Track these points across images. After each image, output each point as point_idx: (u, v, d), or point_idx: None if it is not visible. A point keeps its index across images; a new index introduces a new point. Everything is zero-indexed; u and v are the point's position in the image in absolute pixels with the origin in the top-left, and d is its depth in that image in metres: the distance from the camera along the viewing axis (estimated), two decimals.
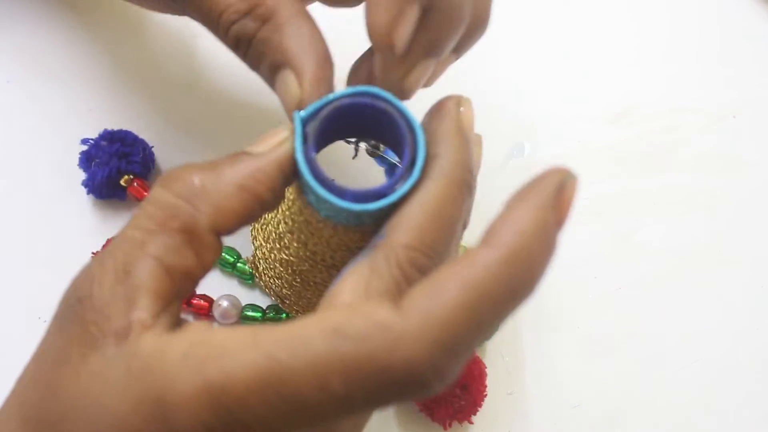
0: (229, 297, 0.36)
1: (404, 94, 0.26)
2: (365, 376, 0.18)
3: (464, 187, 0.24)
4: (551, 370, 0.36)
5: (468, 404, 0.33)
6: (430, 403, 0.33)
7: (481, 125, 0.42)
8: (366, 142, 0.28)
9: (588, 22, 0.46)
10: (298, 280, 0.32)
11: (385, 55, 0.25)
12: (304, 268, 0.30)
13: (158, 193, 0.22)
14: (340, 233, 0.26)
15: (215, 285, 0.36)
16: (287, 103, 0.25)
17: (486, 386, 0.34)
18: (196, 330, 0.21)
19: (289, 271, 0.32)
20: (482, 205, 0.40)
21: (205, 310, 0.36)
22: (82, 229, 0.37)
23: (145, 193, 0.37)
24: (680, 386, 0.36)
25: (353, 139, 0.28)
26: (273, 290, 0.35)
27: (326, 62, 0.25)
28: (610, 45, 0.45)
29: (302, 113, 0.24)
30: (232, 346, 0.19)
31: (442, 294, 0.19)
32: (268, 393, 0.18)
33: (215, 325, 0.36)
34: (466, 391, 0.33)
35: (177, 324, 0.22)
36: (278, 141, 0.24)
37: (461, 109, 0.25)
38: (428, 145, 0.24)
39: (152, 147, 0.38)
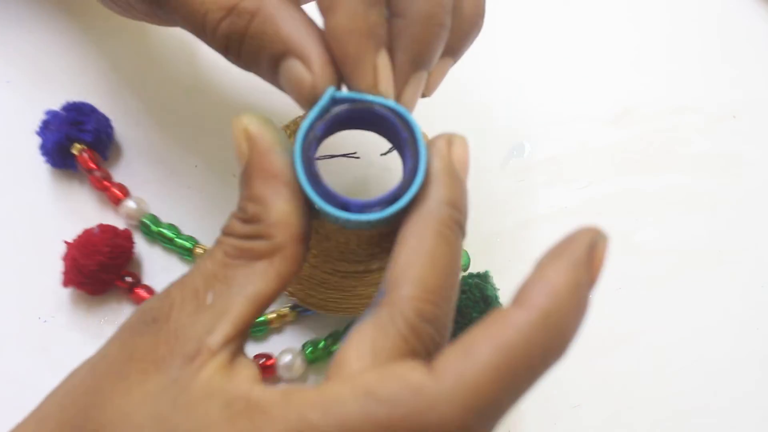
0: (138, 199, 0.37)
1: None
2: None
3: (456, 227, 0.23)
4: (551, 370, 0.36)
5: None
6: None
7: (481, 125, 0.42)
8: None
9: (588, 22, 0.46)
10: (329, 288, 0.32)
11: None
12: (328, 272, 0.31)
13: (231, 227, 0.23)
14: (353, 235, 0.26)
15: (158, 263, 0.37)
16: (299, 92, 0.24)
17: None
18: (243, 376, 0.21)
19: (314, 282, 0.32)
20: (483, 206, 0.40)
21: (117, 202, 0.37)
22: (38, 196, 0.38)
23: (94, 165, 0.37)
24: (680, 386, 0.36)
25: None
26: (307, 302, 0.34)
27: (327, 46, 0.24)
28: (610, 45, 0.45)
29: (312, 114, 0.24)
30: (266, 404, 0.20)
31: (474, 356, 0.19)
32: None
33: (281, 384, 0.35)
34: None
35: (240, 352, 0.22)
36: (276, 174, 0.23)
37: (453, 148, 0.25)
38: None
39: (111, 121, 0.38)
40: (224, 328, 0.21)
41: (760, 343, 0.38)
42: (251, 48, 0.25)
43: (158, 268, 0.37)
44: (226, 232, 0.23)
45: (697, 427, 0.36)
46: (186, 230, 0.37)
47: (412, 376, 0.19)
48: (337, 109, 0.24)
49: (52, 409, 0.22)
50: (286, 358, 0.34)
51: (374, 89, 0.24)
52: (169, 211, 0.38)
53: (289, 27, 0.24)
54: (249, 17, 0.24)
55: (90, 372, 0.22)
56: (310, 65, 0.24)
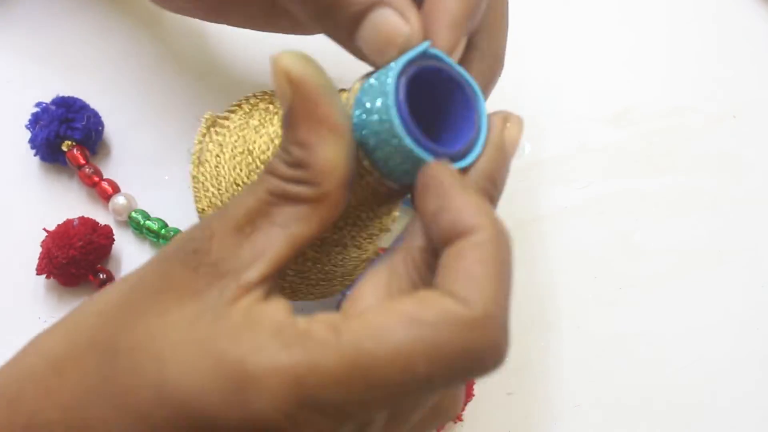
0: (127, 195, 0.37)
1: None
2: (447, 357, 0.20)
3: (488, 200, 0.24)
4: (551, 370, 0.36)
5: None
6: None
7: None
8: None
9: (588, 22, 0.46)
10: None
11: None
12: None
13: (276, 168, 0.23)
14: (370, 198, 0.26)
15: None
16: (391, 42, 0.24)
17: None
18: (282, 309, 0.21)
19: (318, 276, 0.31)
20: None
21: (106, 198, 0.37)
22: (28, 188, 0.38)
23: (83, 161, 0.37)
24: (680, 386, 0.36)
25: None
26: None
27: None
28: (610, 45, 0.45)
29: (406, 57, 0.23)
30: (317, 334, 0.20)
31: (479, 281, 0.21)
32: (355, 381, 0.19)
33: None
34: None
35: (273, 290, 0.22)
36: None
37: (507, 125, 0.26)
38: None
39: (101, 117, 0.39)
40: (263, 266, 0.22)
41: (760, 343, 0.38)
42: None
43: (137, 264, 0.37)
44: (271, 172, 0.23)
45: (697, 427, 0.36)
46: (174, 224, 0.37)
47: (445, 302, 0.20)
48: (422, 63, 0.24)
49: (83, 326, 0.23)
50: (121, 201, 0.36)
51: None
52: (156, 204, 0.38)
53: None
54: None
55: (125, 294, 0.23)
56: (408, 16, 0.24)
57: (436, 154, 0.24)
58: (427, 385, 0.20)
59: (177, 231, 0.37)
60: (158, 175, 0.39)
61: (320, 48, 0.26)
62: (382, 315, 0.20)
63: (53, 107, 0.37)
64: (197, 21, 0.38)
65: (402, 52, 0.24)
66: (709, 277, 0.39)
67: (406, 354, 0.19)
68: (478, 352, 0.20)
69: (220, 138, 0.31)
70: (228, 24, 0.35)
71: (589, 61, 0.44)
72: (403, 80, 0.23)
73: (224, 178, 0.31)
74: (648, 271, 0.39)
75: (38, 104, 0.38)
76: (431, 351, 0.20)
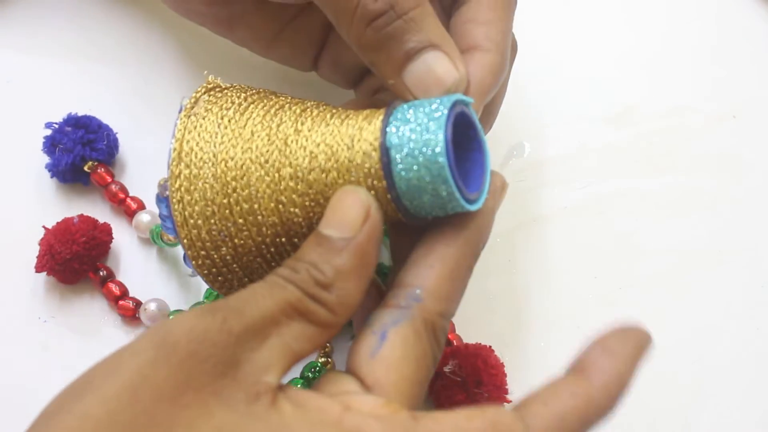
0: (157, 300, 0.35)
1: None
2: None
3: (474, 261, 0.26)
4: (551, 370, 0.36)
5: (494, 392, 0.34)
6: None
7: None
8: None
9: (588, 22, 0.46)
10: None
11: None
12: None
13: (304, 280, 0.23)
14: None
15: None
16: (439, 86, 0.26)
17: (504, 371, 0.34)
18: (323, 408, 0.21)
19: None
20: None
21: (132, 313, 0.35)
22: (45, 211, 0.37)
23: (109, 179, 0.37)
24: (680, 386, 0.36)
25: None
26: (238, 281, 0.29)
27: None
28: (610, 45, 0.45)
29: (448, 102, 0.24)
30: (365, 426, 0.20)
31: (553, 409, 0.23)
32: None
33: (143, 328, 0.35)
34: (483, 385, 0.33)
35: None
36: (360, 220, 0.24)
37: (502, 194, 0.28)
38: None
39: (117, 133, 0.38)
40: (276, 374, 0.22)
41: (760, 343, 0.38)
42: (393, 33, 0.26)
43: (135, 264, 0.37)
44: (296, 282, 0.23)
45: (697, 427, 0.36)
46: None
47: (503, 417, 0.22)
48: (458, 110, 0.25)
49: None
50: (152, 306, 0.35)
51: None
52: None
53: (436, 22, 0.26)
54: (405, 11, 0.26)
55: (129, 394, 0.19)
56: (458, 64, 0.26)
57: (467, 200, 0.25)
58: None
59: None
60: None
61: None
62: (432, 422, 0.21)
63: (69, 129, 0.37)
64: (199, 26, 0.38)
65: (444, 94, 0.25)
66: (709, 277, 0.39)
67: None
68: None
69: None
70: (233, 40, 0.35)
71: (590, 61, 0.44)
72: (450, 127, 0.24)
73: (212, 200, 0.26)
74: (648, 271, 0.39)
75: (48, 125, 0.37)
76: None
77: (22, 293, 0.36)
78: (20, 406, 0.34)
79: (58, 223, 0.35)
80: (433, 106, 0.24)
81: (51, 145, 0.37)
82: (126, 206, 0.37)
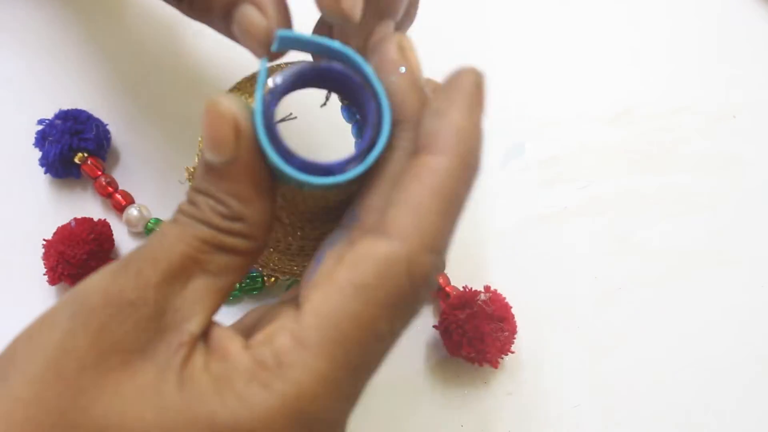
0: (139, 207, 0.36)
1: (369, 55, 0.25)
2: (400, 306, 0.20)
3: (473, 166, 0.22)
4: (551, 370, 0.36)
5: (510, 335, 0.35)
6: (479, 345, 0.34)
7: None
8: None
9: (588, 22, 0.46)
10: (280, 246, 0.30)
11: (340, 24, 0.25)
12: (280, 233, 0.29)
13: (210, 218, 0.22)
14: (310, 196, 0.25)
15: None
16: (252, 38, 0.24)
17: (513, 315, 0.35)
18: (234, 342, 0.21)
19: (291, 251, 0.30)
20: (482, 205, 0.40)
21: (120, 209, 0.37)
22: (40, 207, 0.38)
23: (99, 172, 0.37)
24: (680, 386, 0.36)
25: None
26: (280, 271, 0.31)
27: None
28: (609, 45, 0.45)
29: (263, 66, 0.22)
30: (286, 358, 0.20)
31: (424, 212, 0.20)
32: (342, 377, 0.20)
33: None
34: (506, 322, 0.35)
35: (211, 327, 0.22)
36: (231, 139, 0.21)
37: (408, 55, 0.24)
38: (395, 109, 0.23)
39: (107, 125, 0.38)
40: (202, 316, 0.21)
41: (760, 343, 0.38)
42: None
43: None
44: (204, 221, 0.22)
45: (697, 427, 0.36)
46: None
47: (376, 247, 0.20)
48: (307, 66, 0.23)
49: (18, 417, 0.19)
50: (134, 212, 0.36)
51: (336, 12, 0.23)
52: (167, 209, 0.38)
53: None
54: None
55: (53, 370, 0.20)
56: (266, 9, 0.24)
57: (313, 170, 0.22)
58: (394, 337, 0.21)
59: None
60: (170, 179, 0.39)
61: None
62: (327, 299, 0.20)
63: (59, 122, 0.37)
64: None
65: (264, 46, 0.24)
66: (709, 277, 0.39)
67: (367, 322, 0.20)
68: (417, 283, 0.20)
69: None
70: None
71: (590, 61, 0.44)
72: (274, 87, 0.22)
73: None
74: (648, 271, 0.39)
75: (41, 121, 0.37)
76: (387, 309, 0.20)
77: (22, 291, 0.36)
78: None
79: (55, 232, 0.35)
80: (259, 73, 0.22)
81: (42, 139, 0.37)
82: (115, 200, 0.37)
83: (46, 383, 0.19)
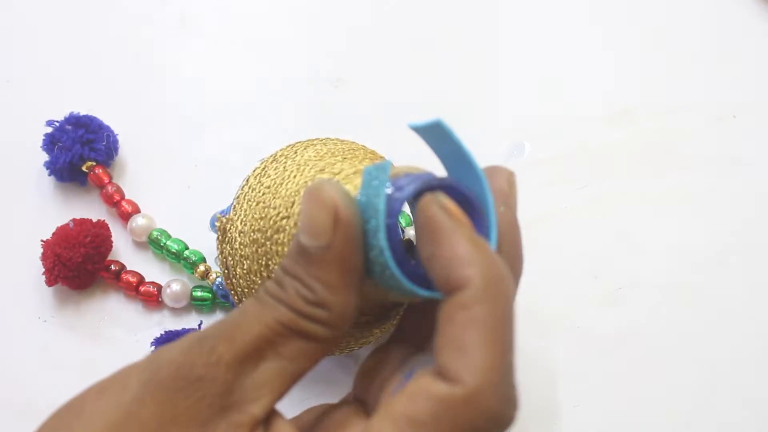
0: (176, 281, 0.36)
1: None
2: None
3: (513, 301, 0.22)
4: (551, 370, 0.36)
5: None
6: None
7: (481, 125, 0.42)
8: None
9: (588, 22, 0.46)
10: None
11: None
12: None
13: (293, 302, 0.22)
14: (383, 293, 0.25)
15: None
16: None
17: None
18: None
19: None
20: None
21: (155, 297, 0.35)
22: (42, 209, 0.38)
23: (106, 181, 0.37)
24: (680, 386, 0.36)
25: None
26: None
27: None
28: (610, 45, 0.45)
29: (389, 190, 0.22)
30: None
31: (471, 349, 0.20)
32: None
33: (165, 312, 0.36)
34: None
35: (272, 417, 0.22)
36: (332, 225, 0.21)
37: (513, 191, 0.25)
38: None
39: (117, 135, 0.38)
40: (267, 400, 0.21)
41: (760, 343, 0.38)
42: None
43: (137, 257, 0.37)
44: (287, 303, 0.22)
45: (697, 427, 0.36)
46: (185, 232, 0.37)
47: (436, 388, 0.20)
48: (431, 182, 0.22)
49: None
50: (175, 287, 0.35)
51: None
52: (170, 213, 0.38)
53: None
54: None
55: (118, 427, 0.20)
56: None
57: (428, 286, 0.22)
58: None
59: (198, 254, 0.36)
60: (177, 188, 0.39)
61: None
62: (382, 426, 0.20)
63: (70, 127, 0.37)
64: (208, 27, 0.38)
65: None
66: (709, 277, 0.39)
67: None
68: (480, 426, 0.20)
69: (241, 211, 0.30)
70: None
71: (590, 61, 0.44)
72: (399, 195, 0.22)
73: (242, 262, 0.29)
74: (648, 271, 0.39)
75: (49, 123, 0.37)
76: None
77: (23, 291, 0.36)
78: (24, 405, 0.34)
79: (54, 233, 0.35)
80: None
81: (50, 142, 0.37)
82: (121, 209, 0.37)
83: None
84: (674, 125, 0.43)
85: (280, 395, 0.22)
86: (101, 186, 0.37)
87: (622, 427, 0.36)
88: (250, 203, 0.29)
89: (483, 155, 0.41)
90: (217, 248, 0.30)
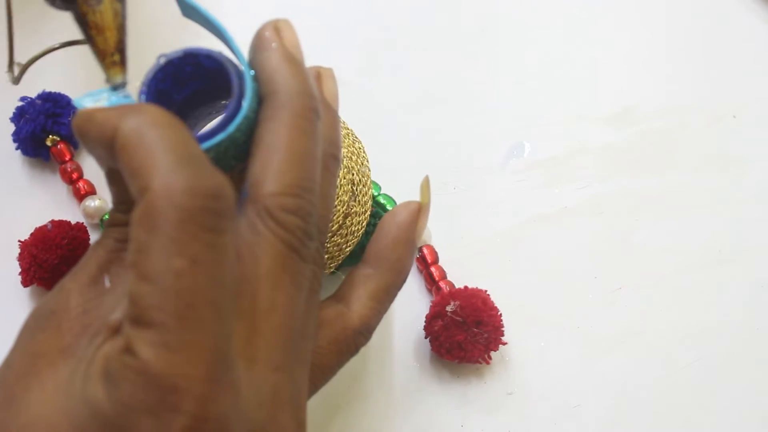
0: (98, 198, 0.37)
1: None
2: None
3: (310, 113, 0.22)
4: (551, 370, 0.36)
5: (493, 333, 0.34)
6: (458, 352, 0.34)
7: (481, 125, 0.42)
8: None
9: (588, 22, 0.46)
10: None
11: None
12: None
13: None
14: None
15: None
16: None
17: (498, 311, 0.35)
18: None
19: None
20: (482, 205, 0.40)
21: (80, 198, 0.37)
22: (7, 182, 0.38)
23: (67, 157, 0.38)
24: (680, 386, 0.36)
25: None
26: None
27: None
28: (610, 45, 0.45)
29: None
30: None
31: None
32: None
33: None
34: (483, 324, 0.34)
35: None
36: None
37: (283, 34, 0.24)
38: (261, 83, 0.23)
39: None
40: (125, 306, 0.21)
41: (760, 343, 0.38)
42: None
43: None
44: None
45: (697, 427, 0.36)
46: None
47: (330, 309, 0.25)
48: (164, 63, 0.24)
49: None
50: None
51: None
52: None
53: None
54: None
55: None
56: None
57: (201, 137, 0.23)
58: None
59: None
60: None
61: None
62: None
63: (39, 102, 0.37)
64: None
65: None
66: (709, 277, 0.39)
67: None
68: (356, 333, 0.26)
69: None
70: None
71: (590, 61, 0.44)
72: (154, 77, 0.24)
73: None
74: (648, 271, 0.39)
75: (23, 98, 0.38)
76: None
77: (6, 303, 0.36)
78: None
79: (32, 234, 0.35)
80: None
81: (19, 115, 0.38)
82: (75, 188, 0.37)
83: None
84: (674, 125, 0.43)
85: None
86: (62, 162, 0.38)
87: (622, 427, 0.36)
88: None
89: (483, 155, 0.41)
90: None
